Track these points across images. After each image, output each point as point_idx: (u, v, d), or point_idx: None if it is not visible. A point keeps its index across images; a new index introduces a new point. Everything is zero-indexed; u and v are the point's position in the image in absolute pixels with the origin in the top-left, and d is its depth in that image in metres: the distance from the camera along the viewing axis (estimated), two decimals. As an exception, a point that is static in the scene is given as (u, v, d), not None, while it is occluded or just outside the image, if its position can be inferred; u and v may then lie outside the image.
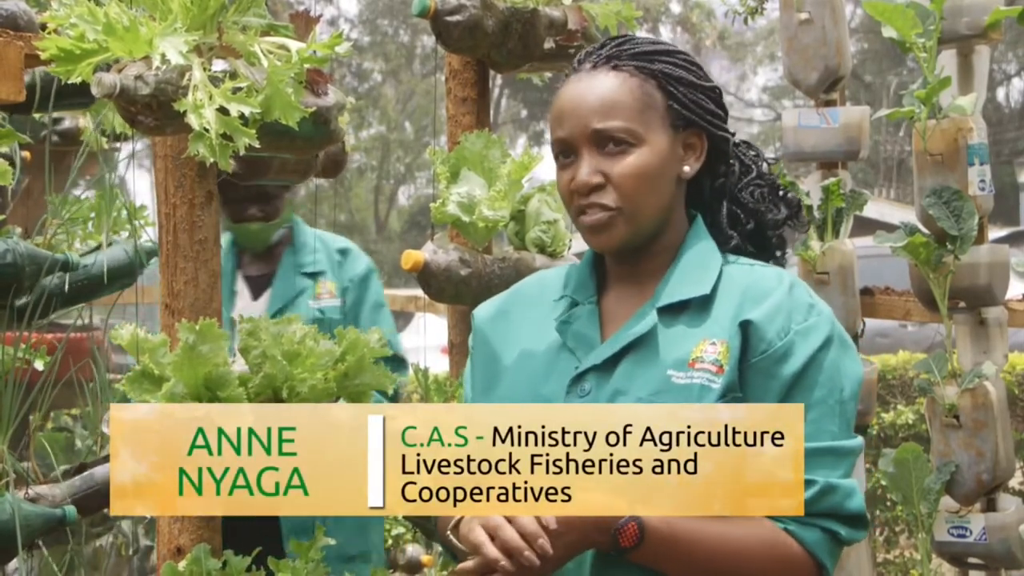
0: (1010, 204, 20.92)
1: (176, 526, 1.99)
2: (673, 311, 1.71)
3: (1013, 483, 5.28)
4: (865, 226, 7.80)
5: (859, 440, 1.68)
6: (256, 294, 3.05)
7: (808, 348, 1.64)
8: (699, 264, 1.73)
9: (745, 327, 1.65)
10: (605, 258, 1.80)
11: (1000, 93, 25.95)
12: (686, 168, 1.74)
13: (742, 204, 1.80)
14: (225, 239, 3.04)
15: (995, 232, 11.41)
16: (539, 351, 1.76)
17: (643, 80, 1.72)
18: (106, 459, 2.71)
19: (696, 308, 1.70)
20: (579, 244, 2.58)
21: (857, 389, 1.69)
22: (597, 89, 1.71)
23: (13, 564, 2.54)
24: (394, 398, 2.55)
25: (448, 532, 1.69)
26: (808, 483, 1.61)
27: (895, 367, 5.96)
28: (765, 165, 1.83)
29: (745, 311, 1.67)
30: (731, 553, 1.61)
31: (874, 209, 14.08)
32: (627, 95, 1.71)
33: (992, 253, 3.40)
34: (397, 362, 3.01)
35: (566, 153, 1.71)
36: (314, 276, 3.06)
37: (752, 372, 1.65)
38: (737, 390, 1.64)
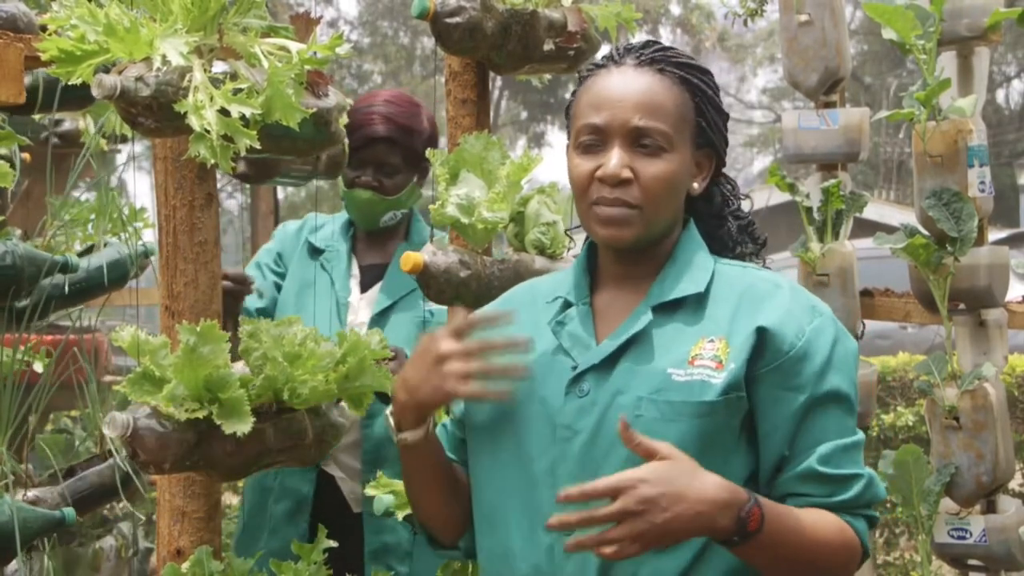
0: (1010, 206, 20.93)
1: (176, 527, 1.99)
2: (668, 309, 1.72)
3: (1013, 485, 5.28)
4: (865, 228, 7.82)
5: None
6: (365, 287, 2.91)
7: (824, 347, 1.68)
8: (692, 264, 1.76)
9: (761, 333, 1.66)
10: (599, 259, 1.81)
11: (1000, 95, 25.96)
12: (695, 185, 1.78)
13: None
14: (340, 221, 2.95)
15: (995, 234, 11.41)
16: (534, 353, 1.76)
17: (682, 91, 1.75)
18: (95, 461, 2.71)
19: (691, 306, 1.72)
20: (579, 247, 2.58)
21: (857, 371, 1.73)
22: (644, 87, 1.72)
23: (13, 566, 2.53)
24: None
25: None
26: (855, 477, 1.66)
27: (895, 369, 5.96)
28: (746, 202, 1.89)
29: (747, 313, 1.69)
30: (818, 540, 1.63)
31: (874, 211, 14.10)
32: (671, 101, 1.73)
33: (992, 255, 3.40)
34: None
35: (595, 141, 1.71)
36: None
37: (774, 373, 1.66)
38: (741, 389, 1.65)
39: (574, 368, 1.71)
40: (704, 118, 1.76)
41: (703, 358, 1.66)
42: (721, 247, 1.83)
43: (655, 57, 1.76)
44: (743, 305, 1.69)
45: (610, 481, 1.50)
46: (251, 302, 2.78)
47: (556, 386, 1.71)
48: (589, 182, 1.71)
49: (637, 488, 1.49)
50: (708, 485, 1.53)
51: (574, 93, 1.81)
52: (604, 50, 2.58)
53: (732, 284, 1.73)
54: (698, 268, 1.75)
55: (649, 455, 1.53)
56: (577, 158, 1.73)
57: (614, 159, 1.69)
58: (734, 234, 1.84)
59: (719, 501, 1.52)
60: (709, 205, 1.84)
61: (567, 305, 1.78)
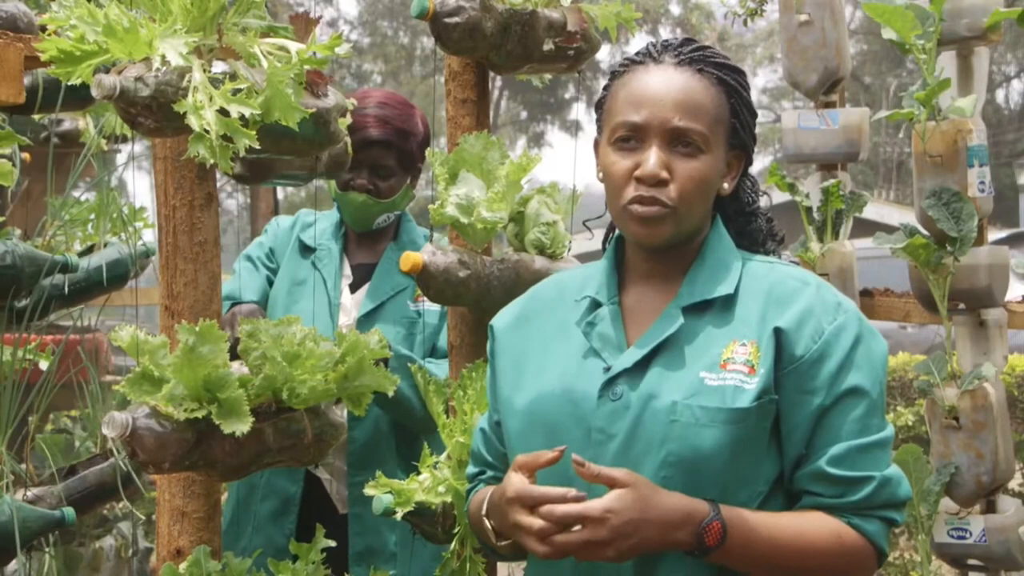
0: (1010, 205, 20.96)
1: (176, 527, 1.99)
2: (697, 310, 1.72)
3: (1013, 485, 5.28)
4: (865, 227, 7.81)
5: (891, 427, 1.72)
6: (354, 287, 2.90)
7: (843, 347, 1.67)
8: (722, 263, 1.76)
9: (778, 334, 1.66)
10: (627, 256, 1.81)
11: (1000, 95, 25.99)
12: (725, 185, 1.78)
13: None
14: (331, 220, 2.94)
15: (995, 233, 11.40)
16: (565, 353, 1.77)
17: (719, 91, 1.75)
18: (97, 460, 2.71)
19: (720, 307, 1.72)
20: (578, 246, 2.58)
21: (885, 370, 1.73)
22: (684, 87, 1.72)
23: (12, 565, 2.54)
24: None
25: (484, 517, 1.73)
26: (866, 479, 1.66)
27: (895, 368, 5.96)
28: (764, 199, 1.88)
29: (773, 314, 1.69)
30: (802, 548, 1.63)
31: (874, 210, 14.12)
32: (710, 102, 1.73)
33: (992, 255, 3.39)
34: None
35: (633, 138, 1.72)
36: None
37: (792, 376, 1.66)
38: (772, 392, 1.65)
39: (606, 370, 1.71)
40: (738, 119, 1.77)
41: (735, 362, 1.66)
42: (751, 243, 1.84)
43: (694, 57, 1.76)
44: (770, 305, 1.70)
45: (589, 506, 1.56)
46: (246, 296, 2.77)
47: (588, 388, 1.71)
48: (626, 181, 1.71)
49: (607, 520, 1.55)
50: (665, 506, 1.57)
51: (606, 87, 1.81)
52: (605, 49, 2.57)
53: (760, 283, 1.73)
54: (727, 268, 1.75)
55: (612, 484, 1.58)
56: (613, 155, 1.73)
57: (652, 159, 1.69)
58: (764, 230, 1.85)
59: (674, 521, 1.57)
60: (737, 203, 1.84)
61: (596, 305, 1.79)
